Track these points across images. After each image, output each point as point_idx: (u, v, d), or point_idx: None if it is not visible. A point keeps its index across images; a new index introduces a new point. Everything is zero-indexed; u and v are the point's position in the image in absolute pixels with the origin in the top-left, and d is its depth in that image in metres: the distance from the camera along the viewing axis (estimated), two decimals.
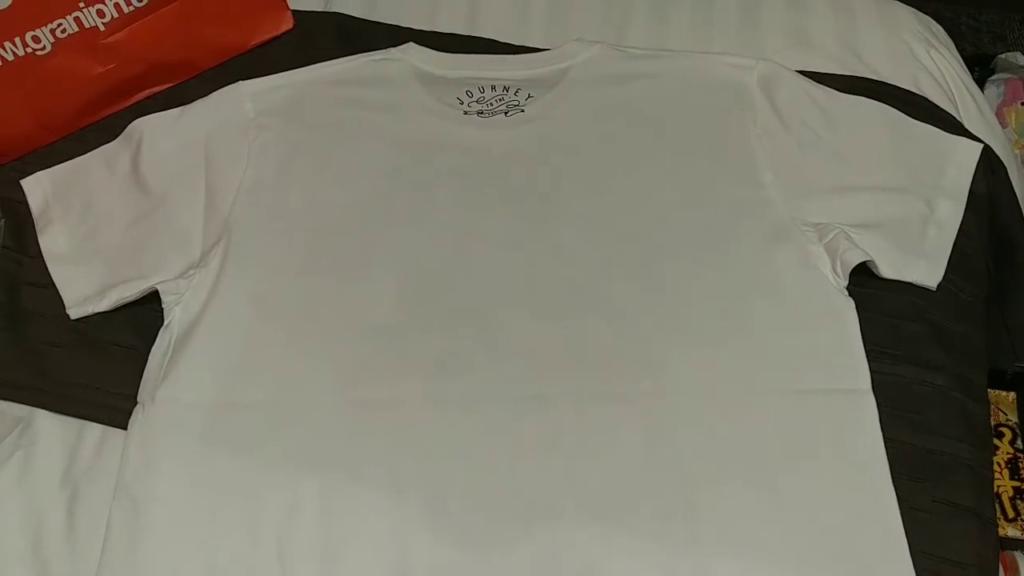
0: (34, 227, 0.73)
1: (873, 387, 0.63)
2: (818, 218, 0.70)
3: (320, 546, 0.59)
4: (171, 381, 0.64)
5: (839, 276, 0.67)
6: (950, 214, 0.72)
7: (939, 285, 0.70)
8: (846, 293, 0.67)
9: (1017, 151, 1.19)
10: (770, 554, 0.58)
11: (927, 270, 0.69)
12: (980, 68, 1.29)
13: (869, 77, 0.81)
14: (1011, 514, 0.93)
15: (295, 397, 0.64)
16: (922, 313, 0.69)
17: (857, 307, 0.66)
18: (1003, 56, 1.27)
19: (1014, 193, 0.80)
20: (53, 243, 0.73)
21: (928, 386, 0.65)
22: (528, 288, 0.68)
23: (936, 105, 0.80)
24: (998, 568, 0.62)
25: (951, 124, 0.79)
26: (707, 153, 0.74)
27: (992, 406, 0.99)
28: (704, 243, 0.70)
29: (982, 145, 0.76)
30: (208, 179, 0.74)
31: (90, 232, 0.73)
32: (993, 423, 0.98)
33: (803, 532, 0.58)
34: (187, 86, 0.83)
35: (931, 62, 0.84)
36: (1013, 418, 0.98)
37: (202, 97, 0.78)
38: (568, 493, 0.60)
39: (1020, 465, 0.95)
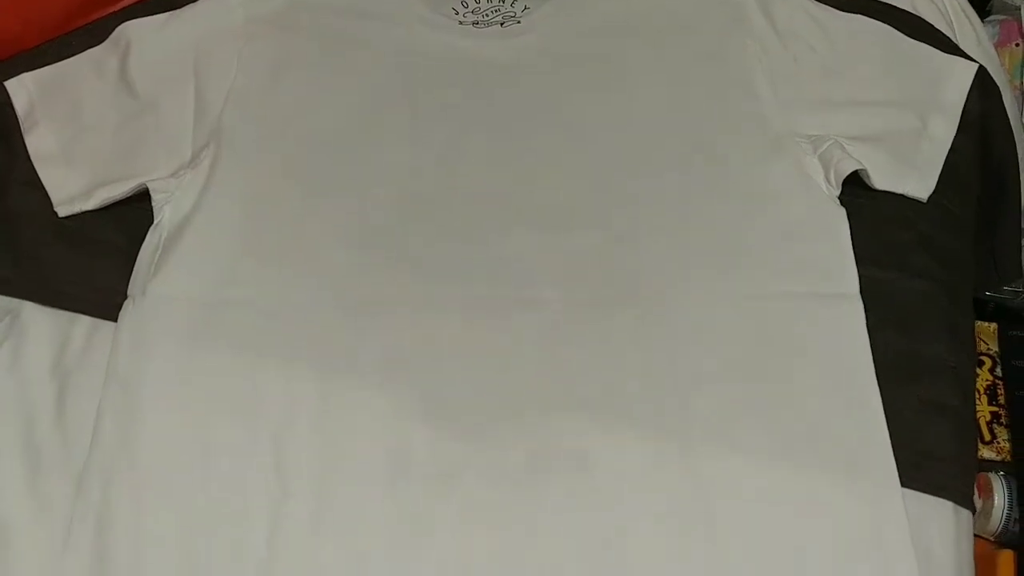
0: (20, 128, 0.72)
1: (861, 292, 0.64)
2: (813, 131, 0.70)
3: (317, 439, 0.59)
4: (162, 276, 0.64)
5: (832, 186, 0.68)
6: (943, 130, 0.72)
7: (929, 198, 0.70)
8: (838, 202, 0.68)
9: (1012, 91, 1.19)
10: (756, 447, 0.58)
11: (918, 182, 0.70)
12: (976, 10, 1.28)
13: None
14: (987, 437, 0.95)
15: (289, 296, 0.64)
16: (912, 223, 0.69)
17: (848, 216, 0.67)
18: None
19: (1007, 117, 0.80)
20: (40, 143, 0.72)
21: (915, 292, 0.66)
22: (523, 199, 0.68)
23: (933, 27, 0.80)
24: (975, 466, 0.64)
25: (948, 46, 0.79)
26: (704, 68, 0.74)
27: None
28: (700, 155, 0.70)
29: (977, 65, 0.76)
30: (197, 84, 0.73)
31: (77, 134, 0.72)
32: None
33: (789, 427, 0.59)
34: None
35: None
36: (993, 347, 1.00)
37: (191, 2, 0.77)
38: (561, 388, 0.61)
39: (998, 391, 0.97)
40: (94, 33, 0.77)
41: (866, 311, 0.64)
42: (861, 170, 0.68)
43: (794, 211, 0.67)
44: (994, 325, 1.01)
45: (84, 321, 0.65)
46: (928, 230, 0.69)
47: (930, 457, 0.61)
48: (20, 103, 0.73)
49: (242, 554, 0.56)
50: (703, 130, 0.70)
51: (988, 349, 1.00)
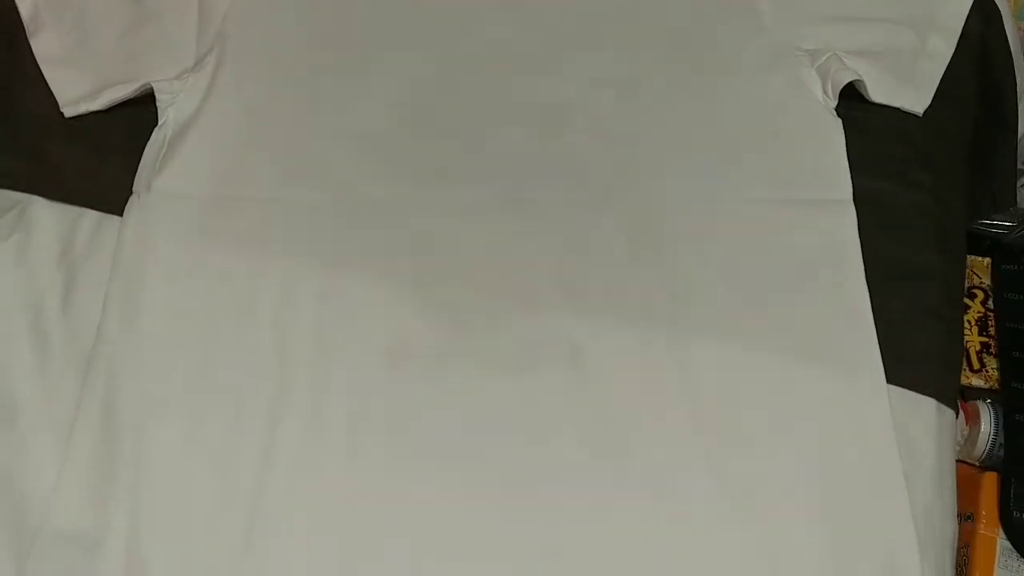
0: (25, 32, 0.73)
1: (855, 200, 0.65)
2: (812, 45, 0.71)
3: (315, 328, 0.61)
4: (167, 173, 0.65)
5: (829, 97, 0.69)
6: (941, 49, 0.73)
7: (925, 113, 0.71)
8: (835, 113, 0.68)
9: (1019, 35, 1.19)
10: (745, 339, 0.60)
11: (915, 96, 0.71)
12: None
13: None
14: (976, 366, 0.97)
15: (290, 194, 0.66)
16: (907, 136, 0.70)
17: (845, 127, 0.68)
18: None
19: (1007, 42, 0.81)
20: (45, 46, 0.72)
21: (907, 201, 0.67)
22: (523, 102, 0.69)
23: None
24: (960, 369, 0.65)
25: None
26: None
27: (968, 270, 1.03)
28: (699, 65, 0.70)
29: None
30: None
31: (82, 39, 0.72)
32: (968, 285, 1.02)
33: (777, 321, 0.61)
34: None
35: None
36: (986, 281, 1.02)
37: None
38: (554, 283, 0.62)
39: (989, 323, 0.99)
40: None
41: (859, 218, 0.65)
42: (858, 82, 0.69)
43: (791, 120, 0.68)
44: (988, 260, 1.02)
45: (90, 215, 0.66)
46: (922, 143, 0.70)
47: (916, 357, 0.62)
48: (25, 7, 0.73)
49: (244, 441, 0.58)
50: (703, 41, 0.71)
51: (981, 282, 1.02)
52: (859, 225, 0.65)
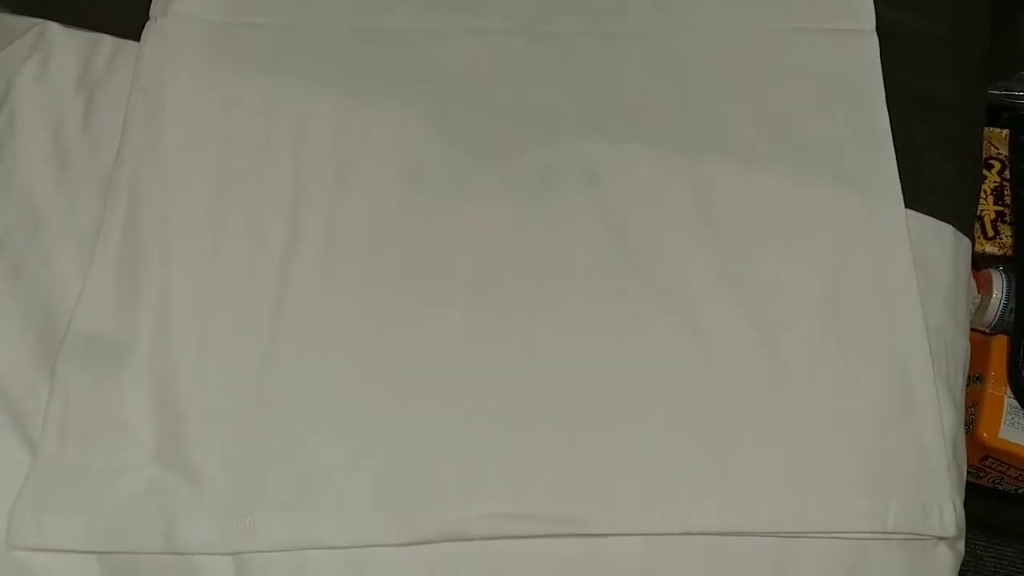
0: None
1: (878, 30, 0.65)
2: None
3: (333, 148, 0.61)
4: None
5: None
6: None
7: None
8: None
9: None
10: (761, 157, 0.60)
11: None
12: None
13: None
14: (991, 233, 0.97)
15: (308, 21, 0.65)
16: None
17: None
18: None
19: None
20: None
21: (929, 33, 0.67)
22: None
23: None
24: (977, 199, 0.65)
25: None
26: None
27: (986, 141, 1.02)
28: None
29: None
30: None
31: None
32: (985, 156, 1.01)
33: (795, 143, 0.61)
34: None
35: None
36: (1003, 152, 1.01)
37: None
38: (572, 107, 0.62)
39: (1004, 192, 0.98)
40: None
41: (880, 48, 0.64)
42: None
43: None
44: (1006, 131, 1.02)
45: (107, 40, 0.66)
46: None
47: (935, 185, 0.63)
48: None
49: (264, 255, 0.58)
50: None
51: (998, 153, 1.01)
52: (881, 55, 0.64)
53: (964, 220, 0.63)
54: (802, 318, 0.57)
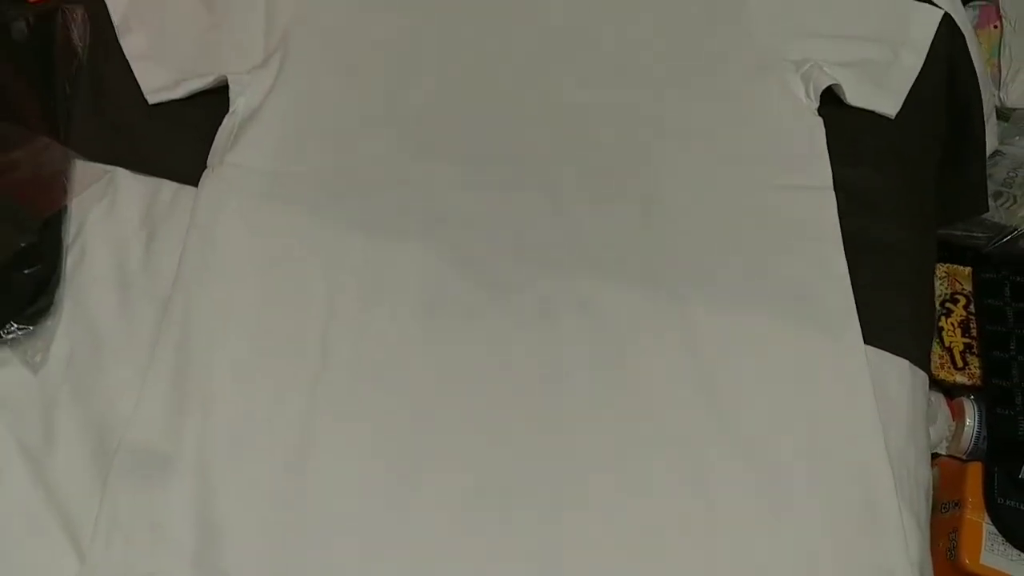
0: (115, 33, 0.84)
1: (835, 186, 0.75)
2: (797, 55, 0.81)
3: (360, 281, 0.70)
4: (237, 150, 0.75)
5: (811, 99, 0.79)
6: (911, 62, 0.83)
7: (897, 116, 0.81)
8: (817, 113, 0.78)
9: (989, 69, 1.30)
10: (739, 298, 0.69)
11: (887, 100, 0.80)
12: None
13: None
14: (960, 364, 1.05)
15: (342, 170, 0.75)
16: (881, 133, 0.80)
17: (826, 125, 0.78)
18: None
19: (971, 59, 0.91)
20: (133, 45, 0.83)
21: (881, 186, 0.76)
22: (544, 98, 0.79)
23: None
24: (932, 336, 0.73)
25: None
26: (705, 3, 0.85)
27: (951, 278, 1.12)
28: (698, 70, 0.81)
29: (943, 11, 0.87)
30: (267, 3, 0.85)
31: (165, 38, 0.83)
32: (950, 292, 1.11)
33: (767, 285, 0.70)
34: None
35: None
36: (968, 288, 1.10)
37: None
38: (572, 250, 0.71)
39: (971, 326, 1.07)
40: None
41: (837, 201, 0.74)
42: (836, 86, 0.79)
43: (779, 119, 0.78)
44: (969, 269, 1.11)
45: (169, 185, 0.76)
46: (895, 140, 0.80)
47: (890, 323, 0.70)
48: (115, 13, 0.84)
49: (297, 374, 0.66)
50: (701, 51, 0.82)
51: (963, 289, 1.11)
52: (838, 207, 0.74)
53: (919, 355, 0.71)
54: (780, 449, 0.63)
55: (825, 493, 0.63)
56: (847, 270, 0.71)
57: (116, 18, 0.85)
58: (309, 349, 0.67)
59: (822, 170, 0.75)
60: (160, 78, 0.81)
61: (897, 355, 0.70)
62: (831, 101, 0.80)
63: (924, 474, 0.68)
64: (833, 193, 0.74)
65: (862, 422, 0.65)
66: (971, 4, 1.35)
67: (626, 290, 0.69)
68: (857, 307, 0.69)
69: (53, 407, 0.64)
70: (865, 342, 0.68)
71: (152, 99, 0.80)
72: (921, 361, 0.71)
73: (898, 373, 0.69)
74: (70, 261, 0.71)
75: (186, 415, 0.63)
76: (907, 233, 0.75)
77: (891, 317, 0.71)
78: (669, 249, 0.71)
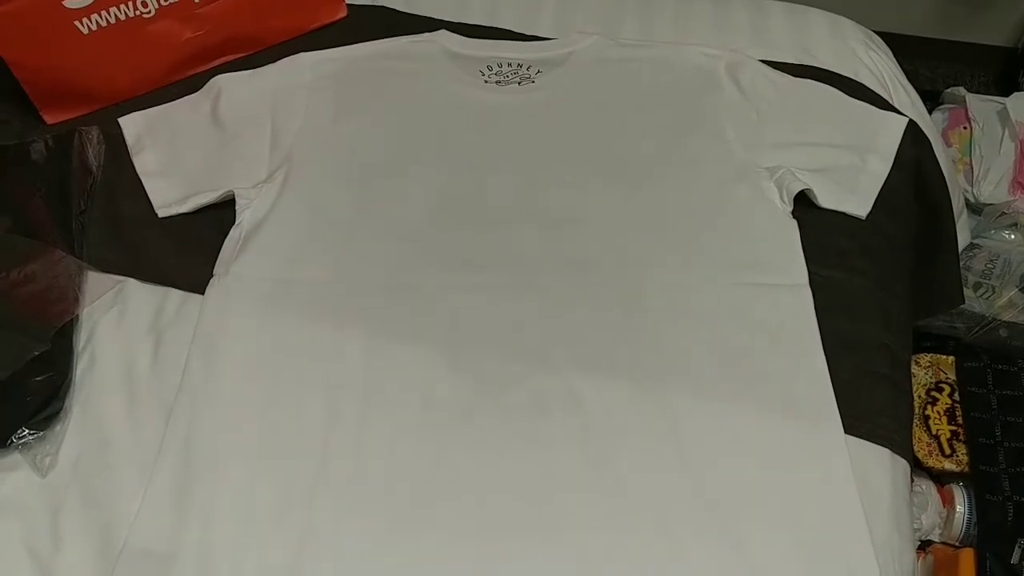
0: (128, 152, 0.90)
1: (811, 285, 0.78)
2: (770, 164, 0.86)
3: (362, 381, 0.73)
4: (242, 260, 0.80)
5: (785, 203, 0.83)
6: (879, 167, 0.88)
7: (868, 218, 0.85)
8: (791, 216, 0.83)
9: (961, 167, 1.37)
10: (723, 396, 0.71)
11: (857, 203, 0.85)
12: (931, 102, 1.48)
13: (816, 66, 0.99)
14: (948, 451, 1.07)
15: (342, 278, 0.79)
16: (853, 234, 0.84)
17: (800, 228, 0.82)
18: (948, 90, 1.46)
19: (938, 162, 0.97)
20: (145, 163, 0.89)
21: (854, 285, 0.80)
22: (533, 212, 0.84)
23: (871, 90, 0.97)
24: (911, 426, 0.75)
25: (884, 105, 0.96)
26: (681, 116, 0.91)
27: (934, 368, 1.15)
28: (676, 179, 0.86)
29: (908, 119, 0.93)
30: (273, 122, 0.91)
31: (175, 156, 0.89)
32: (935, 380, 1.14)
33: (750, 382, 0.72)
34: (256, 58, 1.00)
35: (870, 60, 1.02)
36: (952, 376, 1.13)
37: (270, 63, 0.96)
38: (561, 349, 0.74)
39: (956, 413, 1.10)
40: (191, 85, 0.96)
41: (817, 301, 0.77)
42: (808, 190, 0.84)
43: (754, 221, 0.82)
44: (952, 358, 1.14)
45: (176, 294, 0.80)
46: (866, 241, 0.84)
47: (868, 413, 0.73)
48: (130, 133, 0.91)
49: (299, 476, 0.68)
50: (681, 161, 0.87)
51: (947, 378, 1.14)
52: (817, 306, 0.77)
53: (899, 443, 0.73)
54: (768, 540, 0.65)
55: None
56: (825, 364, 0.74)
57: (130, 139, 0.91)
58: (310, 450, 0.69)
59: (798, 269, 0.79)
60: (170, 193, 0.86)
61: (877, 444, 0.72)
62: (800, 202, 0.85)
63: (908, 559, 0.69)
64: (809, 290, 0.78)
65: (845, 511, 0.67)
66: (941, 107, 1.43)
67: (614, 387, 0.72)
68: (837, 398, 0.72)
69: (60, 510, 0.66)
70: (845, 432, 0.71)
71: (162, 213, 0.85)
72: (902, 449, 0.73)
73: (879, 461, 0.71)
74: (80, 367, 0.74)
75: (188, 516, 0.65)
76: (881, 330, 0.78)
77: (871, 408, 0.74)
78: (652, 348, 0.75)
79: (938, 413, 1.09)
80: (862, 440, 0.72)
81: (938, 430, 1.07)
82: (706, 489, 0.67)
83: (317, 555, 0.64)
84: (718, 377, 0.73)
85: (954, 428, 1.08)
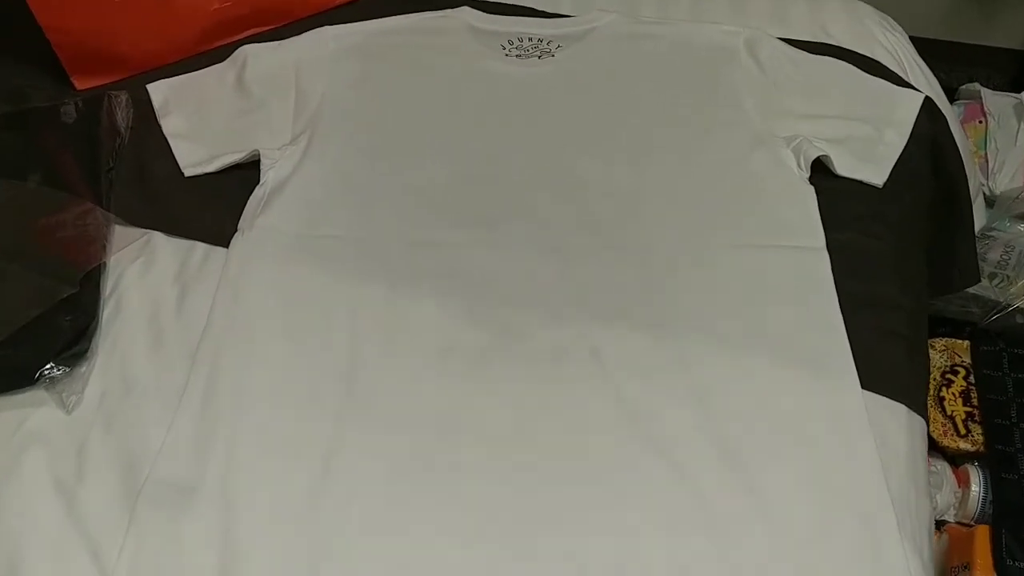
0: (155, 116, 0.92)
1: (828, 249, 0.79)
2: (788, 133, 0.87)
3: (382, 329, 0.74)
4: (266, 215, 0.81)
5: (802, 169, 0.84)
6: (895, 139, 0.89)
7: (885, 187, 0.86)
8: (808, 182, 0.84)
9: (976, 160, 1.37)
10: (739, 349, 0.72)
11: (873, 171, 0.86)
12: (946, 94, 1.49)
13: (834, 44, 1.00)
14: (963, 431, 1.07)
15: (364, 234, 0.81)
16: (869, 201, 0.85)
17: (817, 193, 0.83)
18: (964, 86, 1.48)
19: (954, 139, 0.97)
20: (172, 125, 0.91)
21: (871, 248, 0.81)
22: (550, 176, 0.85)
23: (888, 68, 0.99)
24: (926, 383, 0.76)
25: (900, 83, 0.97)
26: (700, 89, 0.92)
27: (949, 351, 1.15)
28: (694, 147, 0.87)
29: (924, 95, 0.94)
30: (297, 90, 0.92)
31: (201, 120, 0.91)
32: (950, 364, 1.14)
33: (767, 336, 0.73)
34: (281, 31, 1.02)
35: (886, 40, 1.03)
36: (967, 360, 1.13)
37: (295, 35, 0.98)
38: (577, 304, 0.75)
39: (971, 395, 1.09)
40: (218, 56, 0.98)
41: (834, 264, 0.78)
42: (825, 157, 0.85)
43: (772, 187, 0.83)
44: (967, 342, 1.15)
45: (201, 247, 0.81)
46: (883, 208, 0.85)
47: (886, 370, 0.73)
48: (157, 99, 0.93)
49: (317, 417, 0.69)
50: (699, 129, 0.88)
51: (962, 361, 1.14)
52: (834, 268, 0.78)
53: (916, 401, 0.73)
54: (782, 484, 0.65)
55: (828, 534, 0.64)
56: (842, 321, 0.74)
57: (157, 102, 0.93)
58: (331, 390, 0.70)
59: (815, 232, 0.80)
60: (197, 154, 0.88)
61: (895, 400, 0.72)
62: (817, 170, 0.85)
63: (926, 512, 0.69)
64: (827, 253, 0.78)
65: (863, 464, 0.67)
66: (957, 101, 1.44)
67: (633, 338, 0.73)
68: (854, 356, 0.72)
69: (85, 443, 0.68)
70: (862, 388, 0.71)
71: (188, 172, 0.87)
72: (917, 406, 0.74)
73: (896, 418, 0.71)
74: (107, 312, 0.75)
75: (211, 448, 0.66)
76: (899, 290, 0.79)
77: (887, 365, 0.74)
78: (670, 305, 0.75)
79: (953, 395, 1.09)
80: (879, 396, 0.72)
81: (953, 411, 1.07)
82: (725, 438, 0.68)
83: (335, 490, 0.65)
84: (736, 333, 0.73)
85: (969, 409, 1.07)
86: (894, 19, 1.11)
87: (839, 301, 0.76)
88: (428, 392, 0.70)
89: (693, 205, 0.82)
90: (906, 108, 0.92)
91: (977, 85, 1.45)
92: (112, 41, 0.95)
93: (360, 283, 0.76)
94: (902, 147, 0.89)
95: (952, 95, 1.51)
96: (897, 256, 0.82)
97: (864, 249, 0.81)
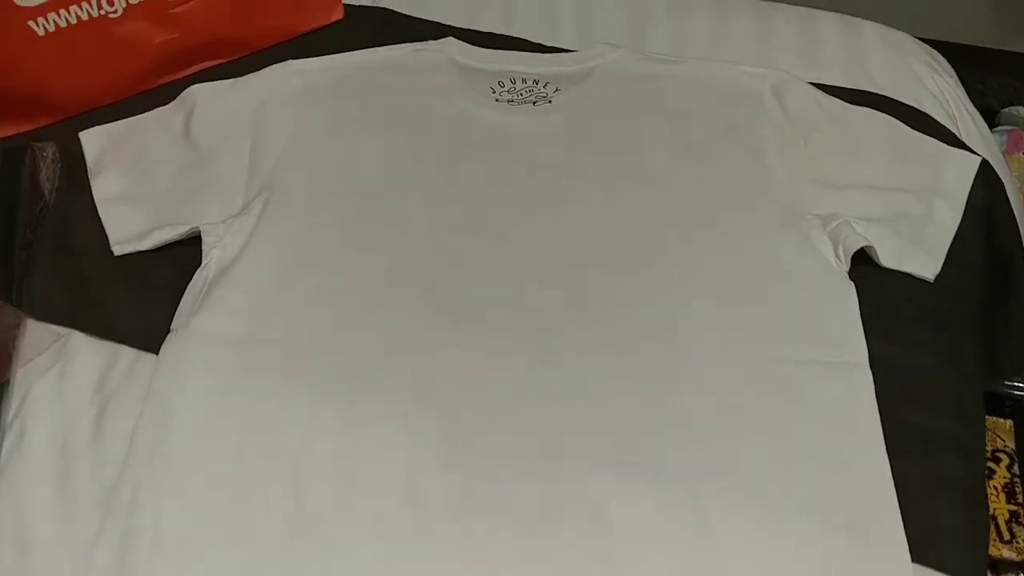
0: (87, 172, 0.78)
1: (870, 363, 0.66)
2: (822, 209, 0.74)
3: (336, 471, 0.61)
4: (204, 313, 0.68)
5: (841, 261, 0.71)
6: (948, 216, 0.76)
7: (936, 278, 0.73)
8: (847, 277, 0.71)
9: (1021, 197, 1.24)
10: (767, 505, 0.60)
11: (924, 262, 0.73)
12: (985, 120, 1.35)
13: (874, 92, 0.86)
14: (1007, 536, 0.94)
15: (319, 336, 0.68)
16: (919, 299, 0.72)
17: (857, 289, 0.70)
18: (1006, 110, 1.33)
19: (1012, 210, 0.84)
20: (104, 187, 0.77)
21: (921, 365, 0.68)
22: (542, 253, 0.72)
23: (937, 121, 0.85)
24: (986, 541, 0.64)
25: (951, 140, 0.84)
26: (719, 144, 0.79)
27: (990, 432, 1.02)
28: (711, 221, 0.74)
29: (980, 158, 0.81)
30: (253, 142, 0.79)
31: (139, 178, 0.78)
32: (991, 449, 1.01)
33: (799, 489, 0.61)
34: (239, 64, 0.88)
35: (933, 84, 0.89)
36: (1010, 444, 1.00)
37: (253, 72, 0.84)
38: (574, 439, 0.63)
39: (1017, 490, 0.97)
40: (164, 94, 0.84)
41: (877, 385, 0.65)
42: (868, 247, 0.72)
43: (803, 281, 0.70)
44: (1010, 422, 1.02)
45: (128, 353, 0.69)
46: (935, 306, 0.72)
47: (939, 533, 0.61)
48: (91, 152, 0.79)
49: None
50: (716, 200, 0.75)
51: (1005, 446, 1.01)
52: (877, 391, 0.65)
53: (973, 569, 0.61)
54: None
55: None
56: (889, 468, 0.62)
57: (90, 156, 0.80)
58: (273, 556, 0.58)
59: (856, 344, 0.67)
60: (131, 225, 0.75)
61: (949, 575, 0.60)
62: (858, 260, 0.72)
63: None
64: (869, 372, 0.66)
65: None
66: (998, 128, 1.30)
67: (637, 495, 0.60)
68: (902, 514, 0.60)
69: None
70: (913, 562, 0.59)
71: (118, 251, 0.74)
72: (976, 574, 0.62)
73: None
74: (7, 443, 0.63)
75: None
76: (956, 421, 0.66)
77: (940, 526, 0.62)
78: (682, 444, 0.63)
79: (995, 489, 0.96)
80: (927, 569, 0.60)
81: (995, 510, 0.95)
82: None
83: None
84: (760, 479, 0.61)
85: (1014, 508, 0.95)
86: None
87: (884, 436, 0.63)
88: (394, 552, 0.58)
89: (710, 305, 0.69)
90: (960, 175, 0.79)
91: (1021, 110, 1.31)
92: (36, 83, 0.81)
93: (311, 406, 0.64)
94: (956, 225, 0.76)
95: (990, 116, 1.37)
96: (951, 371, 0.69)
97: (914, 366, 0.68)
